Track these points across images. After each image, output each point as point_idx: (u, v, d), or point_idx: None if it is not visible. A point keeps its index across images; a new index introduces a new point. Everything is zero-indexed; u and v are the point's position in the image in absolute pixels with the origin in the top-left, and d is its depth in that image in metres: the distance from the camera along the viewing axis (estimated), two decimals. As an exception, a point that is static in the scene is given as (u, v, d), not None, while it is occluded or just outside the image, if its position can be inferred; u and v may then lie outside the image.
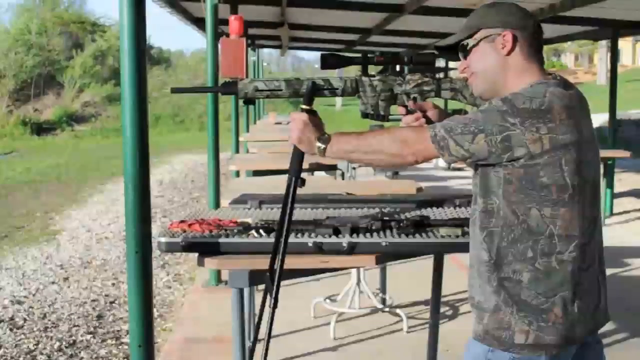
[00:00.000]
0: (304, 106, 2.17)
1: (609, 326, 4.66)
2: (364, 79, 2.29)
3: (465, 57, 2.04)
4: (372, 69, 2.35)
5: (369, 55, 2.33)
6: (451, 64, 8.02)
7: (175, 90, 2.40)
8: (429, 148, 1.93)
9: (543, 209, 1.87)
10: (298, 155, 2.23)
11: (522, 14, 1.99)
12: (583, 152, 1.88)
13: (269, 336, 2.28)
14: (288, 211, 2.25)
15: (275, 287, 2.27)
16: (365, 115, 2.31)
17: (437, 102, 2.40)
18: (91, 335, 5.28)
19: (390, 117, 2.30)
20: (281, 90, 2.27)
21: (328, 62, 2.29)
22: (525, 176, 1.85)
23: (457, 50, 2.06)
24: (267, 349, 2.29)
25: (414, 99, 2.28)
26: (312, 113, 2.15)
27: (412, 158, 1.98)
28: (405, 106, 2.29)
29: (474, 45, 2.01)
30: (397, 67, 2.31)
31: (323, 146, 2.08)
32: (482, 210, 1.96)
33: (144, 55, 2.69)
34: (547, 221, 1.87)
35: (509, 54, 1.97)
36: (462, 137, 1.87)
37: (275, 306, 2.27)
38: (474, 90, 2.08)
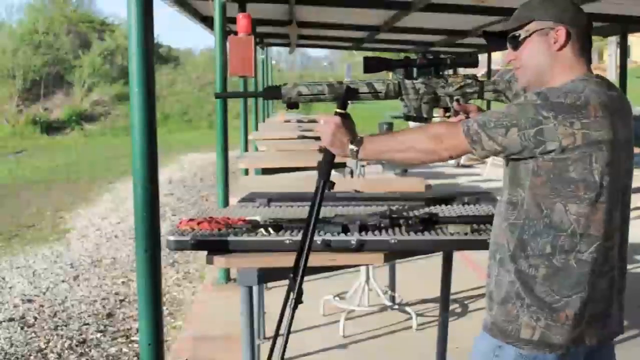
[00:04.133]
0: (338, 110, 2.17)
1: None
2: (407, 81, 2.29)
3: (514, 48, 2.01)
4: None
5: (411, 58, 2.32)
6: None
7: (218, 96, 2.43)
8: (462, 143, 1.92)
9: (569, 205, 1.85)
10: (329, 158, 2.24)
11: (575, 9, 1.97)
12: (616, 154, 1.86)
13: (288, 333, 2.28)
14: (315, 213, 2.25)
15: (297, 287, 2.26)
16: (408, 117, 2.31)
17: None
18: (101, 334, 5.30)
19: (433, 119, 2.30)
20: (324, 94, 2.27)
21: (370, 65, 2.29)
22: (554, 169, 1.83)
23: (505, 39, 2.03)
24: (284, 347, 2.29)
25: (457, 101, 2.28)
26: (345, 116, 2.16)
27: (447, 153, 1.97)
28: (448, 108, 2.29)
29: (525, 37, 1.98)
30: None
31: (356, 148, 2.09)
32: (507, 202, 1.95)
33: (151, 53, 2.69)
34: (572, 218, 1.85)
35: (560, 49, 1.94)
36: (495, 131, 1.86)
37: (296, 306, 2.27)
38: (520, 82, 2.05)
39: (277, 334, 2.59)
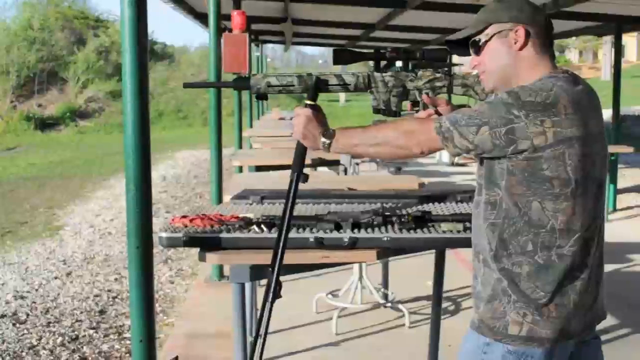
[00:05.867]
0: (308, 101, 2.16)
1: (611, 322, 4.66)
2: (376, 74, 2.29)
3: (476, 53, 2.03)
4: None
5: (381, 51, 2.32)
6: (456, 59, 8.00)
7: (187, 85, 2.41)
8: (434, 139, 1.93)
9: (545, 202, 1.86)
10: (301, 151, 2.23)
11: (533, 8, 1.99)
12: (588, 148, 1.87)
13: (266, 330, 2.27)
14: (289, 207, 2.24)
15: (274, 282, 2.26)
16: (377, 110, 2.31)
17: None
18: (94, 330, 5.29)
19: (402, 112, 2.30)
20: (293, 85, 2.26)
21: (340, 57, 2.29)
22: (528, 168, 1.85)
23: (467, 46, 2.05)
24: (263, 343, 2.28)
25: (426, 95, 2.28)
26: (316, 108, 2.15)
27: (418, 149, 1.97)
28: (417, 102, 2.29)
29: (486, 41, 2.00)
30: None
31: (328, 141, 2.08)
32: (486, 202, 1.97)
33: (145, 50, 2.68)
34: (549, 215, 1.87)
35: (521, 49, 1.96)
36: (467, 129, 1.87)
37: (273, 300, 2.26)
38: (486, 86, 2.07)
39: (258, 331, 2.59)
